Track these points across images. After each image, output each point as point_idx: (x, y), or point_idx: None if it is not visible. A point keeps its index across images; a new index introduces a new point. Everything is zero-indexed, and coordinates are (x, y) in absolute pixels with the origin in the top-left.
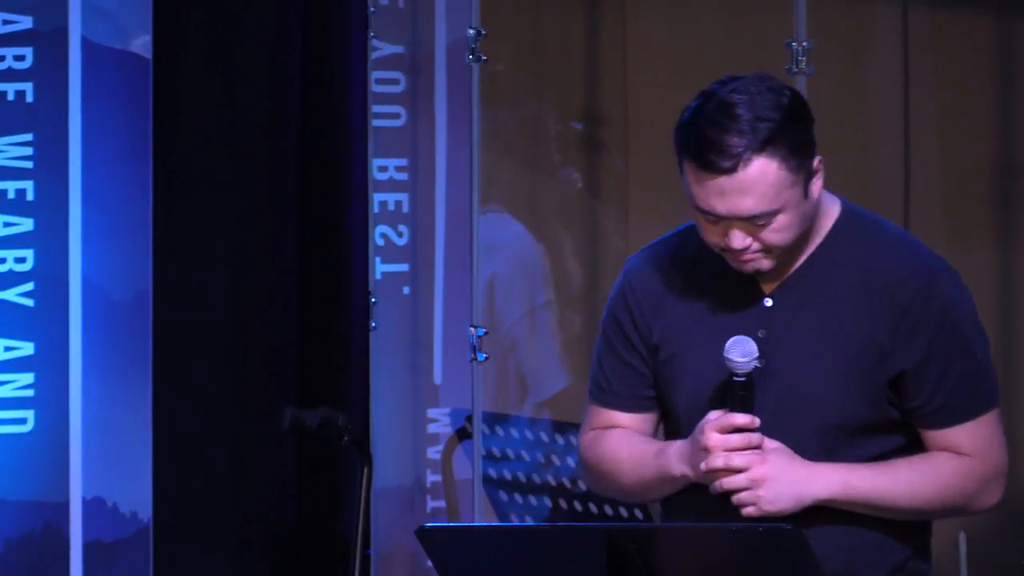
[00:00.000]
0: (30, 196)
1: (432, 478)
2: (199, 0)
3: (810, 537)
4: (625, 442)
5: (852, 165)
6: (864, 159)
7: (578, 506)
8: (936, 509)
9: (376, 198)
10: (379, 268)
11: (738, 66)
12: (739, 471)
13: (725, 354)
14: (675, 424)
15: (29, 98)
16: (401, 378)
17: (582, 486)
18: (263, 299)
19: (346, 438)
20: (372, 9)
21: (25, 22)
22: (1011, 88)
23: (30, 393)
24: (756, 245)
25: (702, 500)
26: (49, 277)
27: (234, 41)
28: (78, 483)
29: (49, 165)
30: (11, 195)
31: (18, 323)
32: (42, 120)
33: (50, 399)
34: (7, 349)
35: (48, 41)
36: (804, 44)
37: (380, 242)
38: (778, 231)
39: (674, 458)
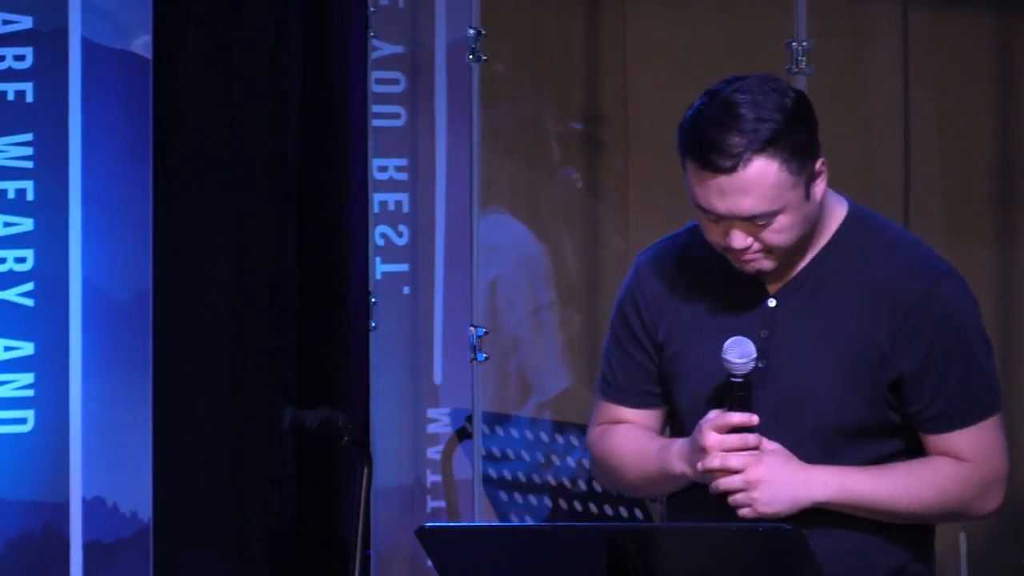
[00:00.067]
0: (30, 196)
1: (432, 478)
2: (199, 0)
3: (809, 538)
4: (630, 438)
5: (852, 165)
6: (864, 159)
7: (578, 506)
8: (934, 514)
9: (376, 198)
10: (379, 268)
11: (738, 66)
12: (735, 472)
13: (723, 355)
14: (679, 422)
15: (29, 98)
16: (401, 378)
17: (582, 486)
18: (263, 299)
19: (346, 438)
20: (372, 9)
21: (25, 22)
22: (1011, 88)
23: (30, 393)
24: (757, 245)
25: (706, 499)
26: (49, 277)
27: (234, 41)
28: (78, 483)
29: (49, 165)
30: (11, 195)
31: (18, 323)
32: (42, 120)
33: (50, 399)
34: (7, 349)
35: (48, 41)
36: (804, 44)
37: (380, 242)
38: (779, 232)
39: (675, 456)
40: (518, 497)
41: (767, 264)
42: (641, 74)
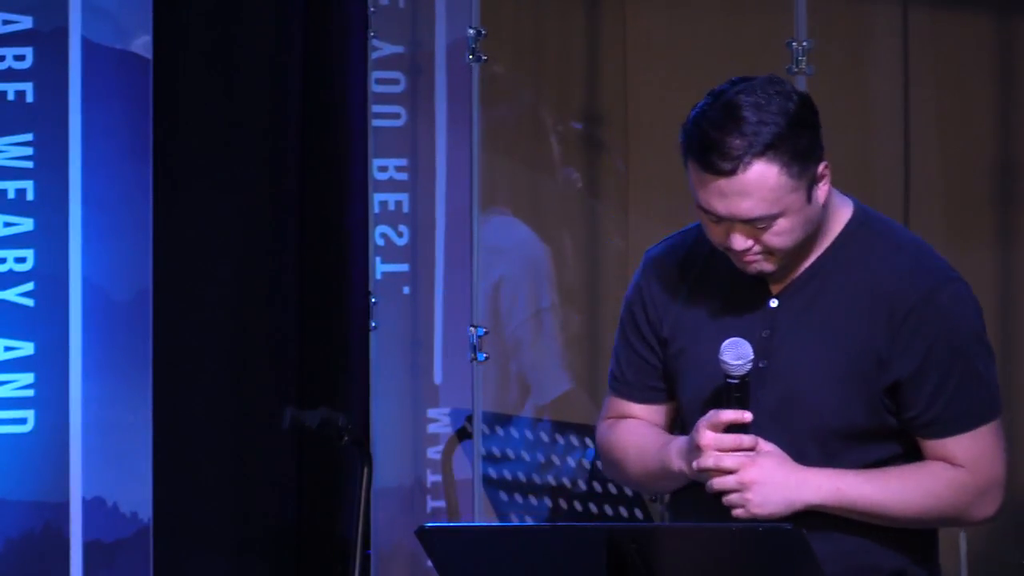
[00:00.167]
0: (30, 196)
1: (432, 478)
2: (199, 0)
3: (809, 539)
4: (635, 433)
5: (852, 165)
6: (864, 159)
7: (578, 506)
8: (929, 519)
9: (376, 198)
10: (379, 268)
11: (738, 66)
12: (730, 472)
13: (720, 356)
14: (682, 419)
15: (29, 98)
16: (401, 378)
17: (582, 486)
18: (263, 299)
19: (346, 438)
20: (372, 9)
21: (25, 22)
22: (1011, 88)
23: (30, 393)
24: (757, 247)
25: (708, 498)
26: (49, 277)
27: (234, 41)
28: (78, 483)
29: (49, 165)
30: (11, 195)
31: (18, 323)
32: (42, 120)
33: (50, 399)
34: (7, 349)
35: (48, 41)
36: (804, 44)
37: (380, 242)
38: (779, 235)
39: (674, 453)
40: (518, 498)
41: (768, 266)
42: (641, 74)
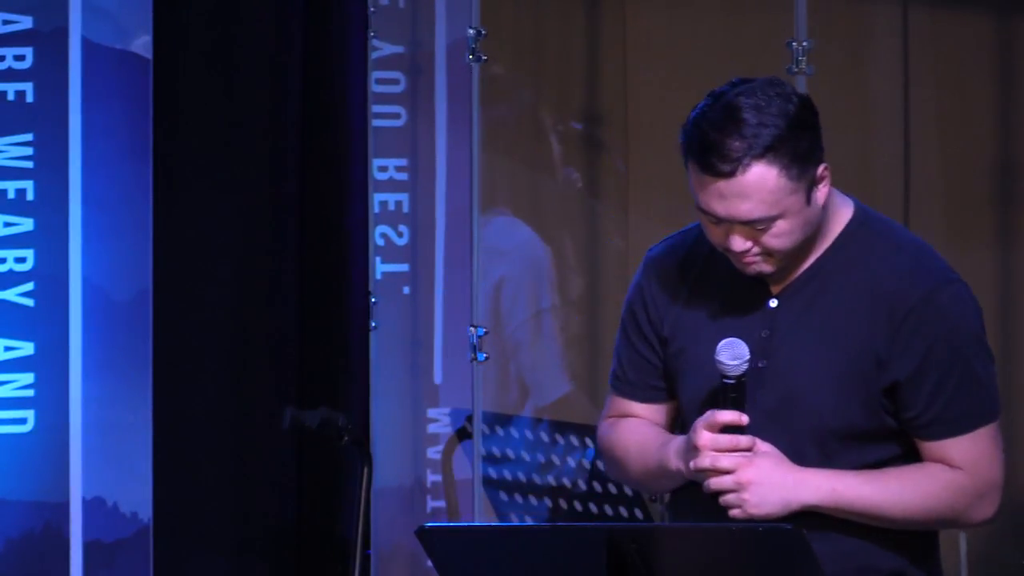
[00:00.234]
0: (30, 196)
1: (432, 478)
2: (199, 0)
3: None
4: (636, 432)
5: (852, 165)
6: (864, 159)
7: (578, 506)
8: (926, 520)
9: (376, 198)
10: (379, 268)
11: (738, 66)
12: (727, 472)
13: (716, 356)
14: (682, 418)
15: (29, 98)
16: (401, 378)
17: (582, 486)
18: (263, 299)
19: (346, 438)
20: (372, 9)
21: (25, 22)
22: (1011, 88)
23: (30, 393)
24: (756, 248)
25: (707, 498)
26: (49, 277)
27: (234, 41)
28: (78, 483)
29: (49, 165)
30: (11, 195)
31: (18, 323)
32: (42, 120)
33: (50, 399)
34: (7, 349)
35: (48, 41)
36: (804, 44)
37: (380, 242)
38: (778, 236)
39: (672, 452)
40: (518, 498)
41: (767, 267)
42: (641, 74)
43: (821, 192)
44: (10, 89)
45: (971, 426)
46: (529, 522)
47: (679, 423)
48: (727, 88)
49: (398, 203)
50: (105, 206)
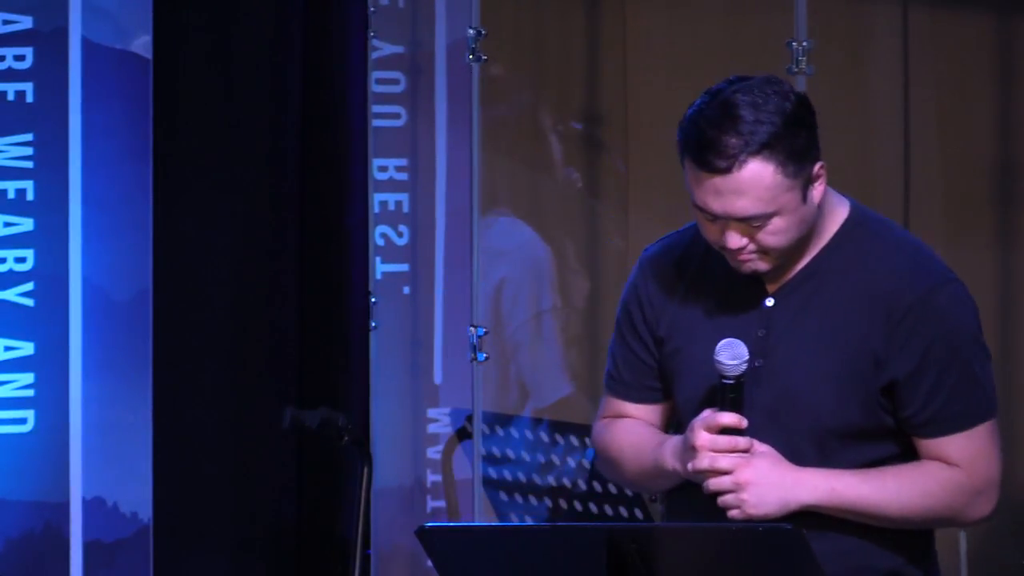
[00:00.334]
0: (30, 196)
1: (432, 478)
2: (199, 0)
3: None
4: (630, 432)
5: (852, 165)
6: (864, 159)
7: (578, 506)
8: (924, 519)
9: (376, 198)
10: (379, 268)
11: (738, 66)
12: (725, 473)
13: (715, 356)
14: (678, 418)
15: (29, 98)
16: (401, 378)
17: (582, 486)
18: (263, 299)
19: (346, 438)
20: (372, 9)
21: (25, 22)
22: (1011, 88)
23: (30, 393)
24: (752, 246)
25: (703, 497)
26: (49, 277)
27: (234, 41)
28: (78, 483)
29: (49, 165)
30: (11, 195)
31: (18, 323)
32: (42, 120)
33: (50, 399)
34: (7, 349)
35: (48, 41)
36: (804, 44)
37: (380, 242)
38: (774, 234)
39: (668, 453)
40: (518, 498)
41: (763, 265)
42: (641, 74)
43: (817, 190)
44: (10, 89)
45: (969, 424)
46: (529, 522)
47: (674, 423)
48: (724, 85)
49: (398, 203)
50: (105, 206)
